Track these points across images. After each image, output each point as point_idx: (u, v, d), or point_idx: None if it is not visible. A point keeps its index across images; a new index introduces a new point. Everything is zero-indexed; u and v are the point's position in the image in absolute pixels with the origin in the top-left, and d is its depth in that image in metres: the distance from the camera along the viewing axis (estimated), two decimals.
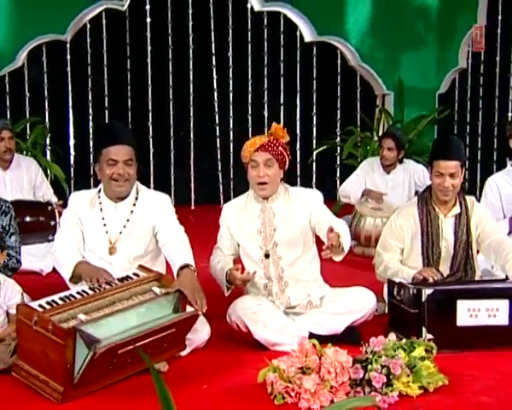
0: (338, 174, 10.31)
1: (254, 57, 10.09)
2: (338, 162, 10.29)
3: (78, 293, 3.98)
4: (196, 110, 10.02)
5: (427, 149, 9.32)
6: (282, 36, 10.09)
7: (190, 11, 9.83)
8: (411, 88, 9.83)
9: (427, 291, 4.35)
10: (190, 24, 9.86)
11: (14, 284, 4.41)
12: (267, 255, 4.66)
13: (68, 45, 9.47)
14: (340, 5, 9.71)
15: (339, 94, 10.38)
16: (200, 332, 4.40)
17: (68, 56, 9.61)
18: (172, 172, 10.04)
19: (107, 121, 9.62)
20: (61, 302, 3.86)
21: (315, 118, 10.35)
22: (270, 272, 4.65)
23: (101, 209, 4.52)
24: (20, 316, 3.81)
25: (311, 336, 4.46)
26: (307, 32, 9.79)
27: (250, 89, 10.13)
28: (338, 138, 10.20)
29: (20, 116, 9.28)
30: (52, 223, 6.72)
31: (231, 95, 10.10)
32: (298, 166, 10.33)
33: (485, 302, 4.37)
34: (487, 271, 5.33)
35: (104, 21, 9.62)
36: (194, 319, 4.11)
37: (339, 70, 10.28)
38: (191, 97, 9.97)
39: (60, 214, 6.54)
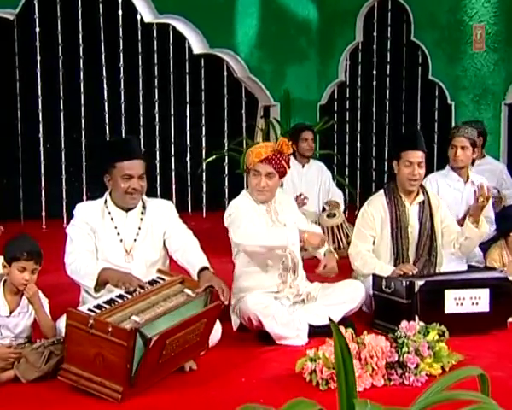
0: (226, 183, 10.71)
1: (145, 68, 10.30)
2: (226, 172, 10.70)
3: (118, 297, 4.16)
4: (87, 121, 10.06)
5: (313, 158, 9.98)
6: (171, 48, 10.36)
7: (80, 21, 9.88)
8: (296, 99, 10.44)
9: (419, 283, 4.88)
10: (80, 34, 9.91)
11: (41, 294, 4.46)
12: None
13: None
14: (230, 18, 10.13)
15: (226, 105, 10.80)
16: (216, 331, 4.66)
17: None
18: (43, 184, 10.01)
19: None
20: (107, 306, 4.03)
21: (204, 128, 10.70)
22: (290, 262, 5.05)
23: (112, 219, 4.68)
24: (71, 321, 3.92)
25: (311, 327, 4.89)
26: (196, 44, 10.13)
27: (141, 100, 10.33)
28: (226, 148, 10.59)
29: None
30: None
31: (122, 106, 10.24)
32: (188, 176, 10.64)
33: (469, 291, 4.96)
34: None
35: None
36: (218, 309, 4.36)
37: (225, 82, 10.70)
38: (82, 109, 10.01)
39: None
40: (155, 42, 10.30)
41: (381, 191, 5.63)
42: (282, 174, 5.07)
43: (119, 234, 4.66)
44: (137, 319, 3.95)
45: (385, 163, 10.84)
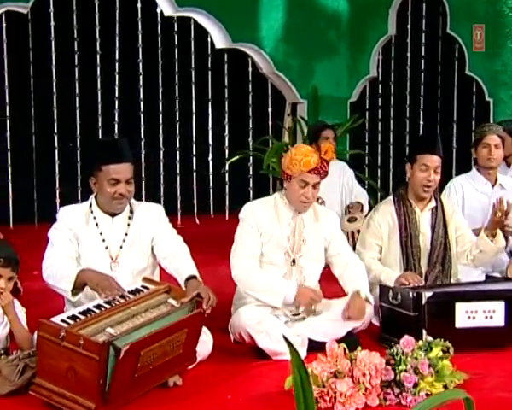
0: (251, 185, 10.62)
1: (165, 64, 10.25)
2: (251, 173, 10.60)
3: (96, 307, 4.08)
4: (104, 119, 10.05)
5: (343, 158, 9.84)
6: (192, 42, 10.30)
7: (97, 15, 9.88)
8: (325, 96, 10.29)
9: (426, 294, 4.72)
10: (97, 28, 9.91)
11: (18, 303, 4.42)
12: (294, 262, 4.95)
13: None
14: (254, 11, 10.01)
15: (250, 102, 10.70)
16: (206, 344, 4.57)
17: None
18: (79, 184, 10.01)
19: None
20: (82, 317, 3.95)
21: (227, 127, 10.62)
22: (293, 278, 4.92)
23: (97, 224, 4.60)
24: (42, 333, 3.85)
25: (311, 342, 4.76)
26: (218, 39, 10.04)
27: (161, 97, 10.29)
28: (251, 148, 10.50)
29: None
30: None
31: (141, 103, 10.21)
32: (210, 176, 10.57)
33: (482, 304, 4.78)
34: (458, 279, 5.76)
35: (4, 24, 9.50)
36: (200, 318, 4.24)
37: (250, 78, 10.60)
38: (99, 106, 10.01)
39: None
40: (176, 36, 10.24)
41: (390, 198, 5.49)
42: (323, 179, 4.98)
43: (104, 240, 4.58)
44: (112, 332, 3.86)
45: None
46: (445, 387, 4.11)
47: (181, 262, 4.52)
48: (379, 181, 10.87)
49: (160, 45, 10.21)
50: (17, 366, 4.07)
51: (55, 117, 9.85)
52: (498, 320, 4.81)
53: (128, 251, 4.60)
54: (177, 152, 10.51)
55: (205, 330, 4.59)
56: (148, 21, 10.10)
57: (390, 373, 3.99)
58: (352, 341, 4.71)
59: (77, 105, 9.92)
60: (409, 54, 10.79)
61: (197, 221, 9.80)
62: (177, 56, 10.30)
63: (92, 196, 4.67)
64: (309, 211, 5.01)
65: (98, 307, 4.09)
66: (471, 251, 5.33)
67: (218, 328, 4.88)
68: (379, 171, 11.09)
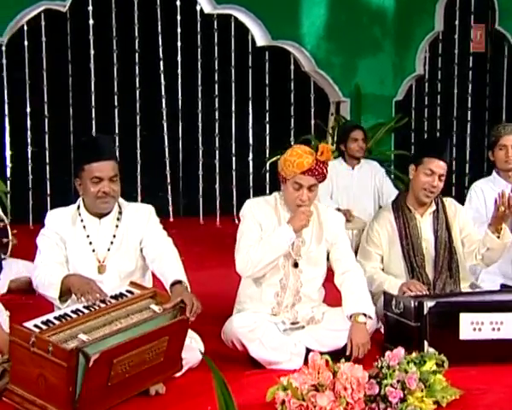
0: None
1: (204, 62, 10.18)
2: None
3: (73, 312, 4.00)
4: (143, 118, 10.05)
5: (386, 158, 9.66)
6: (233, 40, 10.21)
7: (136, 13, 9.88)
8: (368, 95, 10.07)
9: (428, 304, 4.52)
10: (136, 27, 9.90)
11: (1, 306, 4.39)
12: (296, 265, 4.78)
13: (4, 48, 9.37)
14: (295, 8, 9.87)
15: (292, 101, 10.55)
16: (195, 351, 4.45)
17: (4, 60, 9.51)
18: None
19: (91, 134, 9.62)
20: (57, 322, 3.88)
21: (268, 126, 10.50)
22: (289, 283, 4.77)
23: (85, 227, 4.52)
24: (14, 337, 3.80)
25: (309, 351, 4.59)
26: (260, 36, 9.92)
27: (200, 95, 10.23)
28: None
29: None
30: (4, 240, 6.65)
31: (180, 102, 10.16)
32: (251, 176, 10.47)
33: (489, 315, 4.55)
34: (473, 284, 5.54)
35: (43, 23, 9.56)
36: (184, 326, 4.14)
37: (292, 76, 10.45)
38: (137, 105, 10.01)
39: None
40: (215, 34, 10.15)
41: (389, 206, 5.30)
42: (322, 182, 4.78)
43: (91, 243, 4.50)
44: (84, 338, 3.78)
45: (467, 165, 10.36)
46: (437, 403, 3.93)
47: (167, 266, 4.40)
48: None
49: (199, 43, 10.15)
50: None
51: (93, 115, 9.86)
52: (507, 333, 4.57)
53: (116, 254, 4.50)
54: (217, 151, 10.44)
55: (194, 336, 4.51)
56: (187, 19, 10.05)
57: (374, 387, 3.83)
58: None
59: (115, 104, 9.92)
60: (456, 51, 10.49)
61: (236, 222, 9.65)
62: (216, 54, 10.22)
63: (80, 199, 4.60)
64: (312, 209, 4.83)
65: (76, 311, 4.02)
66: (479, 250, 5.11)
67: (216, 334, 4.78)
68: None
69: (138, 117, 10.05)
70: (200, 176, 10.39)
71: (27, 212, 9.69)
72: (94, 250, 4.50)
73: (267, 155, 10.39)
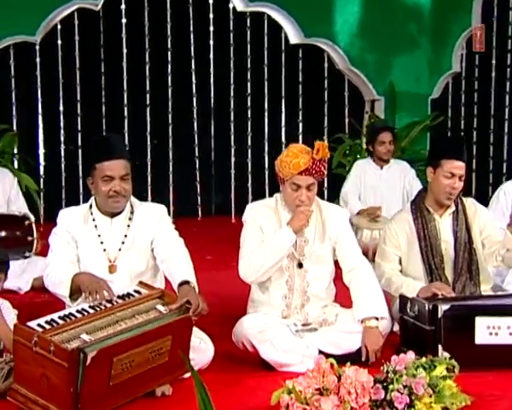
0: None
1: (237, 60, 10.15)
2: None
3: (78, 311, 4.00)
4: (175, 116, 10.06)
5: (421, 158, 9.53)
6: (266, 38, 10.15)
7: (168, 12, 9.88)
8: (403, 93, 9.95)
9: (443, 307, 4.43)
10: (168, 25, 9.91)
11: (8, 305, 4.40)
12: (300, 265, 4.72)
13: (38, 47, 9.44)
14: (328, 5, 9.78)
15: (326, 99, 10.47)
16: (204, 352, 4.44)
17: (38, 59, 9.59)
18: (150, 182, 10.05)
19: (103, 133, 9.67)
20: (61, 322, 3.88)
21: (301, 124, 10.42)
22: (295, 284, 4.71)
23: (96, 226, 4.51)
24: (17, 337, 3.81)
25: (322, 354, 4.52)
26: (293, 34, 9.86)
27: (232, 94, 10.20)
28: None
29: None
30: (29, 238, 6.67)
31: (212, 101, 10.15)
32: None
33: (506, 320, 4.44)
34: (498, 286, 5.43)
35: (76, 22, 9.61)
36: (187, 325, 4.10)
37: (326, 74, 10.37)
38: (169, 103, 10.02)
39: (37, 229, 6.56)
40: (248, 32, 10.11)
41: (408, 206, 5.19)
42: (321, 180, 4.74)
43: (102, 243, 4.49)
44: (86, 338, 3.77)
45: (504, 164, 10.18)
46: (446, 409, 3.84)
47: (176, 266, 4.37)
48: None
49: (231, 41, 10.11)
50: (2, 369, 4.05)
51: (126, 114, 9.89)
52: None
53: (127, 254, 4.49)
54: (249, 150, 10.40)
55: (204, 337, 4.49)
56: (219, 17, 10.02)
57: (380, 392, 3.75)
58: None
59: (147, 102, 9.94)
60: (494, 47, 10.31)
61: None
62: (249, 52, 10.17)
63: (92, 198, 4.59)
64: (312, 210, 4.72)
65: (81, 311, 4.01)
66: (499, 252, 4.96)
67: (222, 335, 4.73)
68: None
69: (170, 115, 10.04)
70: (232, 175, 10.36)
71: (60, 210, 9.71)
72: (105, 250, 4.49)
73: None
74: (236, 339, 4.61)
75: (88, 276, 4.29)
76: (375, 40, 9.94)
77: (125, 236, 4.51)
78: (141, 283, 4.35)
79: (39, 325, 3.83)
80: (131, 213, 4.56)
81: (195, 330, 4.45)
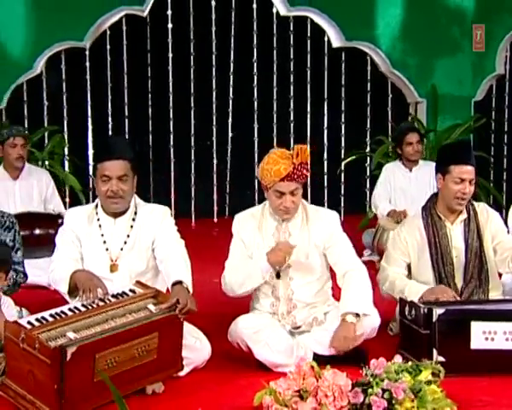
0: (368, 186, 10.23)
1: (280, 64, 10.08)
2: (368, 173, 10.20)
3: (70, 309, 4.01)
4: (219, 119, 10.04)
5: None
6: (308, 41, 10.06)
7: (213, 16, 9.87)
8: (445, 95, 9.75)
9: (438, 311, 4.30)
10: (213, 29, 9.90)
11: (11, 302, 4.45)
12: (278, 275, 4.62)
13: (87, 52, 9.55)
14: (369, 9, 9.65)
15: (369, 102, 10.31)
16: (201, 351, 4.41)
17: (87, 63, 9.68)
18: (193, 182, 10.07)
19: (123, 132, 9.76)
20: (51, 319, 3.89)
21: (343, 127, 10.30)
22: (279, 292, 4.63)
23: (100, 226, 4.50)
24: (7, 333, 3.84)
25: (316, 356, 4.45)
26: (334, 38, 9.76)
27: (275, 96, 10.13)
28: (368, 148, 10.13)
29: (37, 125, 9.34)
30: None
31: (256, 103, 10.10)
32: (325, 177, 10.31)
33: (502, 325, 4.29)
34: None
35: (124, 27, 9.68)
36: (175, 323, 4.07)
37: (369, 77, 10.21)
38: (214, 105, 10.01)
39: None
40: (291, 36, 10.02)
41: (419, 212, 5.02)
42: (304, 183, 4.64)
43: (105, 242, 4.48)
44: (71, 336, 3.77)
45: None
46: None
47: (172, 267, 4.32)
48: (504, 185, 10.18)
49: (275, 45, 10.03)
50: (0, 364, 4.08)
51: (171, 116, 9.93)
52: None
53: (128, 254, 4.47)
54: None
55: (200, 337, 4.47)
56: (263, 21, 9.96)
57: (359, 396, 3.65)
58: (358, 357, 4.38)
59: (192, 104, 9.95)
60: None
61: None
62: (292, 56, 10.08)
63: (98, 198, 4.60)
64: (299, 216, 4.64)
65: (73, 309, 4.02)
66: (511, 259, 4.80)
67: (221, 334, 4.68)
68: (504, 174, 10.34)
69: (214, 117, 10.04)
70: None
71: None
72: (107, 249, 4.48)
73: (342, 156, 10.19)
74: (231, 339, 4.56)
75: (85, 274, 4.28)
76: (418, 43, 9.77)
77: (128, 236, 4.49)
78: (138, 282, 4.33)
79: (29, 323, 3.85)
80: (135, 213, 4.54)
81: (192, 329, 4.45)
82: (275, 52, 10.06)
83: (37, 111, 9.61)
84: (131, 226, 4.51)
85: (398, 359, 3.91)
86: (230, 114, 10.07)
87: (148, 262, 4.52)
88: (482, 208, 5.00)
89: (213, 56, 9.94)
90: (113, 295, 4.17)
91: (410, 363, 3.88)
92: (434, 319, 4.29)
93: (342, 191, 10.34)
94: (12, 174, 7.05)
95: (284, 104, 10.17)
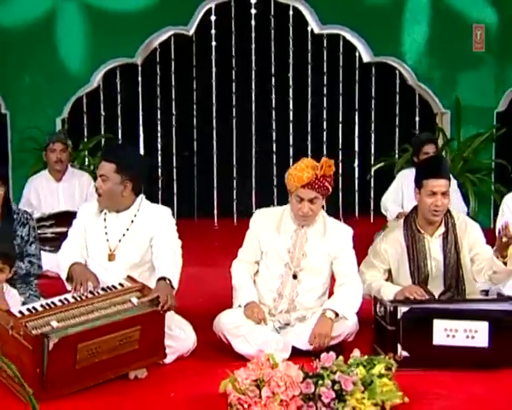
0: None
1: (314, 77, 10.01)
2: None
3: (60, 301, 4.07)
4: (257, 128, 10.02)
5: (483, 168, 9.15)
6: (341, 57, 9.95)
7: (253, 35, 9.86)
8: (468, 106, 9.50)
9: (402, 309, 4.22)
10: (253, 47, 9.89)
11: (15, 292, 4.52)
12: (295, 277, 4.60)
13: (140, 68, 9.66)
14: (397, 26, 9.47)
15: (397, 112, 10.14)
16: (185, 341, 4.42)
17: (139, 78, 9.79)
18: (235, 194, 10.09)
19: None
20: (40, 309, 3.96)
21: (373, 135, 10.15)
22: (285, 291, 4.60)
23: (105, 219, 4.58)
24: (0, 321, 3.91)
25: (295, 350, 4.40)
26: (365, 53, 9.63)
27: (310, 108, 10.05)
28: (396, 156, 9.95)
29: (95, 133, 9.52)
30: None
31: (291, 113, 10.05)
32: (356, 182, 10.18)
33: (463, 323, 4.19)
34: (497, 289, 5.11)
35: (172, 45, 9.76)
36: (156, 317, 4.08)
37: (397, 89, 10.04)
38: (253, 116, 10.00)
39: None
40: (325, 52, 9.93)
41: (401, 222, 4.91)
42: (326, 195, 4.58)
43: (106, 234, 4.55)
44: (55, 325, 3.83)
45: None
46: (378, 405, 3.63)
47: (161, 264, 4.35)
48: None
49: (309, 60, 9.95)
50: None
51: (214, 125, 9.96)
52: (481, 341, 4.19)
53: (126, 245, 4.51)
54: None
55: (185, 328, 4.46)
56: (298, 39, 9.89)
57: (310, 387, 3.60)
58: (334, 350, 4.28)
59: (233, 114, 9.96)
60: None
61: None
62: (325, 70, 9.98)
63: None
64: (317, 225, 4.62)
65: (62, 300, 4.07)
66: (487, 271, 4.63)
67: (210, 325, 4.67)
68: None
69: (254, 127, 10.02)
70: None
71: None
72: (107, 240, 4.53)
73: (372, 162, 10.05)
74: (216, 331, 4.55)
75: (80, 267, 4.35)
76: (442, 57, 9.52)
77: (127, 229, 4.54)
78: (128, 277, 4.37)
79: (20, 312, 3.93)
80: (138, 210, 4.57)
81: (178, 319, 4.50)
82: (309, 67, 9.97)
83: (95, 121, 9.77)
84: (132, 221, 4.55)
85: (356, 353, 3.85)
86: (267, 125, 10.02)
87: (143, 256, 4.54)
88: (461, 221, 4.86)
89: (253, 72, 9.93)
90: (102, 288, 4.22)
91: (365, 357, 3.80)
92: (399, 317, 4.21)
93: (372, 195, 10.18)
94: (55, 177, 7.20)
95: (318, 115, 10.08)
